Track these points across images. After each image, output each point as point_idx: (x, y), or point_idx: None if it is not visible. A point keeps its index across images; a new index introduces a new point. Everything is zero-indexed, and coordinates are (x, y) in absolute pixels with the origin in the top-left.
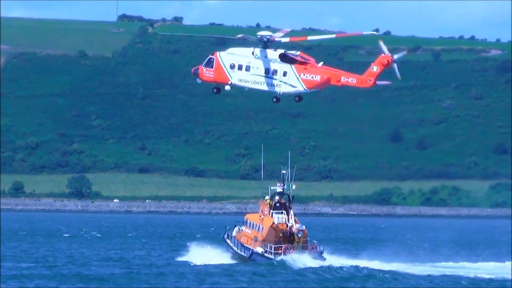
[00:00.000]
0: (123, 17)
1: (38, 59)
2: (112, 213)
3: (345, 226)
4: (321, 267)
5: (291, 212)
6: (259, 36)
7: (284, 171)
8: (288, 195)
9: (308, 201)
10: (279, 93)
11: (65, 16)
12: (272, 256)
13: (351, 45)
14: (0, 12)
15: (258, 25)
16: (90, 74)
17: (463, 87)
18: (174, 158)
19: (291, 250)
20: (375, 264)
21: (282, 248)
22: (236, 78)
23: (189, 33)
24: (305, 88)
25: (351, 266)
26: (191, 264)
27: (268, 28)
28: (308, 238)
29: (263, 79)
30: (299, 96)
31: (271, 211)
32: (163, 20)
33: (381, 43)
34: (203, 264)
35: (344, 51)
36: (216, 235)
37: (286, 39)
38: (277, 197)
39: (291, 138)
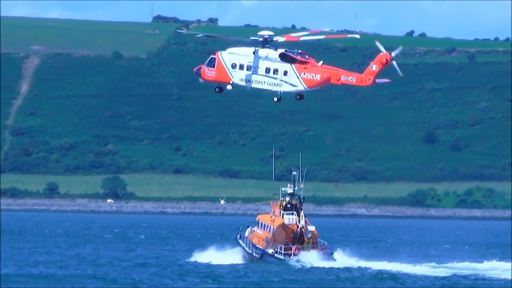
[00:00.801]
0: (158, 18)
1: (72, 60)
2: (147, 214)
3: (386, 228)
4: (323, 267)
5: (302, 213)
6: (260, 36)
7: (294, 172)
8: (299, 196)
9: (343, 203)
10: (280, 92)
11: (99, 17)
12: (282, 257)
13: (386, 47)
14: (0, 11)
15: (293, 26)
16: (124, 75)
17: (498, 89)
18: (209, 159)
19: (300, 251)
20: (390, 266)
21: (292, 249)
22: (237, 77)
23: (225, 34)
24: (306, 87)
25: (359, 267)
26: (202, 264)
27: (303, 29)
28: (318, 239)
29: (264, 79)
30: (300, 95)
31: (282, 212)
32: (198, 21)
33: (377, 43)
34: (214, 264)
35: (377, 54)
36: None
37: (282, 39)
38: (288, 198)
39: (326, 139)
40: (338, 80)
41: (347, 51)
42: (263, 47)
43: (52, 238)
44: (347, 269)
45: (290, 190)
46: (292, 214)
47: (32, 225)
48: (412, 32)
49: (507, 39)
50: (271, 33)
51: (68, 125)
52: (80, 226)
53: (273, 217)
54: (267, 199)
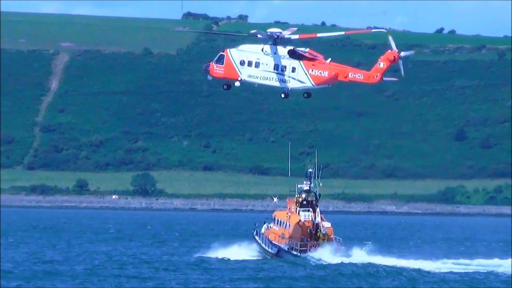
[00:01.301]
0: (188, 15)
1: (102, 56)
2: (176, 211)
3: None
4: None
5: (318, 209)
6: (269, 33)
7: (310, 169)
8: (315, 193)
9: (372, 200)
10: (288, 88)
11: (129, 14)
12: (297, 253)
13: (416, 44)
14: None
15: (323, 23)
16: (154, 72)
17: None
18: (239, 156)
19: (316, 248)
20: (409, 263)
21: (308, 245)
22: (245, 74)
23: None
24: (313, 84)
25: (367, 263)
26: (219, 259)
27: (333, 26)
28: (333, 236)
29: (272, 75)
30: (307, 93)
31: (298, 208)
32: (228, 18)
33: (390, 38)
34: (230, 260)
35: (409, 50)
36: None
37: (296, 36)
38: (304, 195)
39: (355, 136)
40: (346, 77)
41: (376, 48)
42: (272, 44)
43: (84, 235)
44: (360, 265)
45: (306, 187)
46: (308, 210)
47: (63, 221)
48: (442, 29)
49: None
50: (279, 30)
51: (98, 122)
52: (112, 224)
53: (289, 214)
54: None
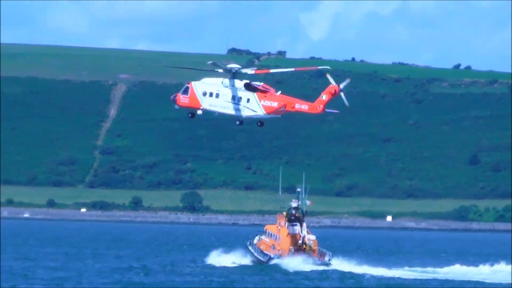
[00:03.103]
0: (232, 50)
1: (156, 87)
2: (221, 225)
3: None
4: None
5: (304, 224)
6: (228, 68)
7: (299, 189)
8: (302, 210)
9: (395, 217)
10: (243, 117)
11: (180, 49)
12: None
13: (436, 78)
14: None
15: (353, 59)
16: None
17: None
18: (277, 177)
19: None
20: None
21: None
22: (207, 103)
23: (291, 66)
24: (265, 113)
25: (334, 270)
26: (215, 266)
27: (362, 62)
28: (318, 247)
29: (229, 105)
30: (260, 122)
31: (287, 223)
32: (268, 53)
33: (328, 76)
34: (224, 266)
35: (430, 83)
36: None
37: (252, 71)
38: (293, 211)
39: (381, 160)
40: (293, 107)
41: (400, 81)
42: (231, 77)
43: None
44: (327, 272)
45: (294, 204)
46: (296, 225)
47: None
48: (459, 65)
49: None
50: (238, 66)
51: (151, 146)
52: (185, 238)
53: (279, 227)
54: (328, 213)
